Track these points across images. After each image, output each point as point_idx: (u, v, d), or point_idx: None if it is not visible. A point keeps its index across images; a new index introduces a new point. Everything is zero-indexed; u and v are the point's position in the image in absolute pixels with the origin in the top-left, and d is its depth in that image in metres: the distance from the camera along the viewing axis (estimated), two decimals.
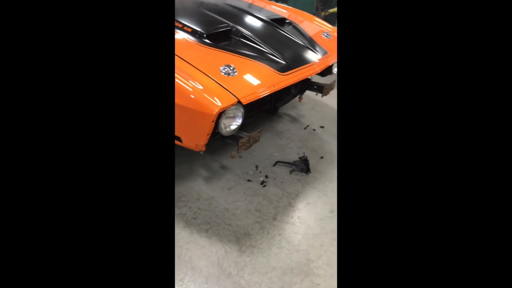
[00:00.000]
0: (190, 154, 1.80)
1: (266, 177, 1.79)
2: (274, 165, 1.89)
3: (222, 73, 1.24)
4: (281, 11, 2.21)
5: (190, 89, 1.13)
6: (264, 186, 1.73)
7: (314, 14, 2.48)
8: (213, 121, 1.14)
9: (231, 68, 1.28)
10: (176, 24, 1.49)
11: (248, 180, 1.76)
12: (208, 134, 1.20)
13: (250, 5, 2.17)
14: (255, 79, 1.30)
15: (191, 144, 1.29)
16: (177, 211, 1.52)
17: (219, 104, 1.11)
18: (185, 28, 1.46)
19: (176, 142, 1.32)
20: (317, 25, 2.13)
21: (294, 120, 2.42)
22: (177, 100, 1.15)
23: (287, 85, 1.37)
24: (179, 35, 1.43)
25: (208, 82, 1.17)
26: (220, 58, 1.34)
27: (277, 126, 2.31)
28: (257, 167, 1.86)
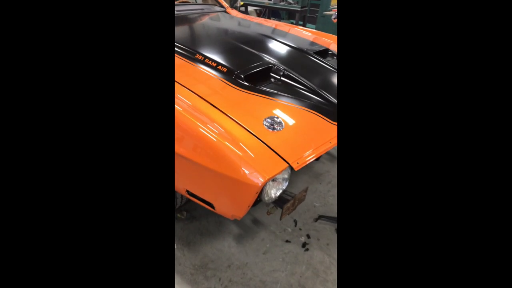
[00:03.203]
0: None
1: (308, 236, 1.51)
2: (317, 220, 1.60)
3: (266, 127, 1.00)
4: (308, 35, 1.98)
5: (229, 151, 0.89)
6: (307, 249, 1.44)
7: None
8: (257, 193, 0.89)
9: (277, 120, 1.03)
10: (207, 61, 1.29)
11: (287, 241, 1.47)
12: (249, 206, 0.95)
13: (281, 31, 1.96)
14: (307, 134, 1.05)
15: (226, 214, 1.04)
16: (204, 284, 1.26)
17: (267, 173, 0.86)
18: (219, 67, 1.25)
19: (206, 206, 1.08)
20: None
21: (333, 159, 2.14)
22: (211, 163, 0.91)
23: None
24: (212, 75, 1.22)
25: (251, 142, 0.93)
26: (262, 106, 1.11)
27: (315, 166, 2.03)
28: (296, 222, 1.58)
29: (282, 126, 1.01)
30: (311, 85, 1.26)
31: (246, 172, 0.87)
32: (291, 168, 0.93)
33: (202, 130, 0.93)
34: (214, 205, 1.03)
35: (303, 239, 1.49)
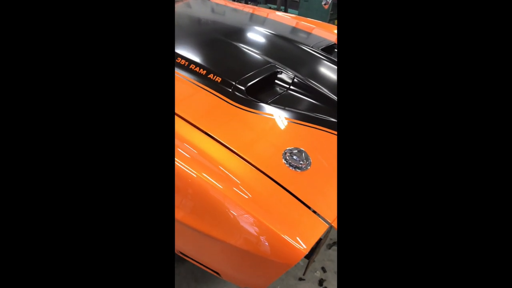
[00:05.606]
0: None
1: (324, 270, 1.28)
2: (330, 247, 1.38)
3: (288, 165, 0.72)
4: (289, 19, 1.72)
5: (242, 214, 0.61)
6: None
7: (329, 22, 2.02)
8: (287, 269, 0.63)
9: (300, 153, 0.76)
10: (193, 67, 0.97)
11: (300, 279, 1.24)
12: (273, 281, 0.69)
13: (274, 22, 1.66)
14: None
15: (238, 284, 0.78)
16: None
17: (303, 245, 0.60)
18: (210, 76, 0.94)
19: (208, 270, 0.80)
20: None
21: None
22: (215, 231, 0.63)
23: None
24: (203, 88, 0.90)
25: (271, 193, 0.65)
26: (276, 132, 0.82)
27: None
28: None
29: (309, 162, 0.74)
30: (331, 94, 0.99)
31: (268, 244, 0.60)
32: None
33: (192, 173, 0.63)
34: (220, 274, 0.76)
35: (318, 274, 1.27)
